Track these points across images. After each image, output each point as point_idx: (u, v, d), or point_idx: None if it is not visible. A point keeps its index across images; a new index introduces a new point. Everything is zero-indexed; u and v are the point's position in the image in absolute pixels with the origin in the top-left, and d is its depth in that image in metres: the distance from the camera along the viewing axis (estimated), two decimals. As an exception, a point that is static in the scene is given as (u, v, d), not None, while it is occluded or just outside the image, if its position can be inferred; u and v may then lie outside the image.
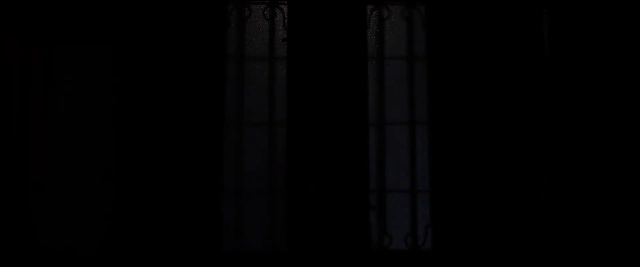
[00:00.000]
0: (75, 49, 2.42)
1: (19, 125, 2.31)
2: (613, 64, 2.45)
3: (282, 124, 2.50)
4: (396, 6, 2.58)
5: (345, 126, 2.43)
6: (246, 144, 2.50)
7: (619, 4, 2.47)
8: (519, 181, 2.39)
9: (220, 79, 2.45)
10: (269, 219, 2.45)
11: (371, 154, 2.49)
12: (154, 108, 2.41)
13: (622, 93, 2.43)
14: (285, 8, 2.55)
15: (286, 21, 2.54)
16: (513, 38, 2.47)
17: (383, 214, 2.47)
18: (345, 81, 2.45)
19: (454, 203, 2.39)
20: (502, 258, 2.36)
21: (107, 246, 2.33)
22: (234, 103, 2.51)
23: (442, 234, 2.39)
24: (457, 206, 2.39)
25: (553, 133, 2.41)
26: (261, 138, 2.50)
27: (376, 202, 2.47)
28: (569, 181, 2.38)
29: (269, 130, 2.50)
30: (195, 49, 2.45)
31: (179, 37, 2.45)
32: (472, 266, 2.36)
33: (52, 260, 2.31)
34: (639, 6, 2.45)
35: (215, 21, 2.48)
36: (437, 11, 2.50)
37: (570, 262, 2.35)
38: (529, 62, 2.46)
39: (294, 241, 2.38)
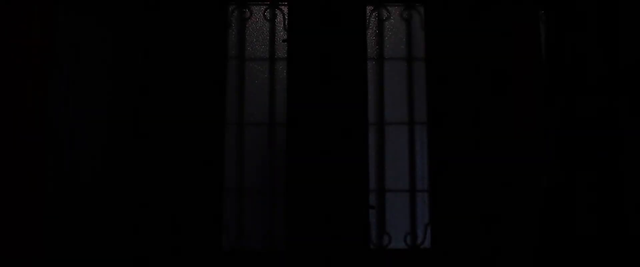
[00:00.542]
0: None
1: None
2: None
3: (282, 124, 2.52)
4: (395, 7, 2.60)
5: (345, 126, 2.44)
6: (246, 143, 2.51)
7: None
8: (519, 180, 2.40)
9: (221, 80, 2.46)
10: (269, 219, 2.46)
11: (371, 153, 2.51)
12: (155, 108, 2.42)
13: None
14: (285, 9, 2.57)
15: (286, 22, 2.56)
16: (510, 38, 2.49)
17: (382, 213, 2.48)
18: (345, 81, 2.47)
19: (453, 203, 2.41)
20: (502, 258, 2.37)
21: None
22: (234, 103, 2.53)
23: (441, 233, 2.40)
24: (456, 205, 2.40)
25: (553, 133, 2.43)
26: (261, 138, 2.52)
27: (376, 202, 2.48)
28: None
29: (269, 130, 2.52)
30: (196, 49, 2.47)
31: (180, 37, 2.47)
32: (471, 265, 2.38)
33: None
34: None
35: (216, 22, 2.50)
36: (436, 12, 2.53)
37: (570, 262, 2.36)
38: (529, 62, 2.47)
39: (293, 240, 2.38)
